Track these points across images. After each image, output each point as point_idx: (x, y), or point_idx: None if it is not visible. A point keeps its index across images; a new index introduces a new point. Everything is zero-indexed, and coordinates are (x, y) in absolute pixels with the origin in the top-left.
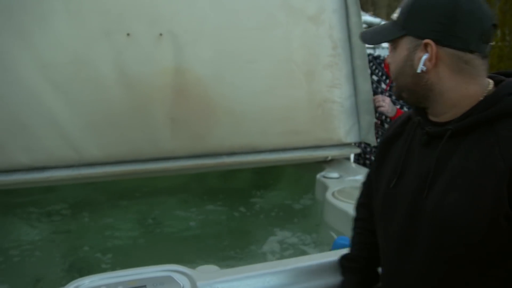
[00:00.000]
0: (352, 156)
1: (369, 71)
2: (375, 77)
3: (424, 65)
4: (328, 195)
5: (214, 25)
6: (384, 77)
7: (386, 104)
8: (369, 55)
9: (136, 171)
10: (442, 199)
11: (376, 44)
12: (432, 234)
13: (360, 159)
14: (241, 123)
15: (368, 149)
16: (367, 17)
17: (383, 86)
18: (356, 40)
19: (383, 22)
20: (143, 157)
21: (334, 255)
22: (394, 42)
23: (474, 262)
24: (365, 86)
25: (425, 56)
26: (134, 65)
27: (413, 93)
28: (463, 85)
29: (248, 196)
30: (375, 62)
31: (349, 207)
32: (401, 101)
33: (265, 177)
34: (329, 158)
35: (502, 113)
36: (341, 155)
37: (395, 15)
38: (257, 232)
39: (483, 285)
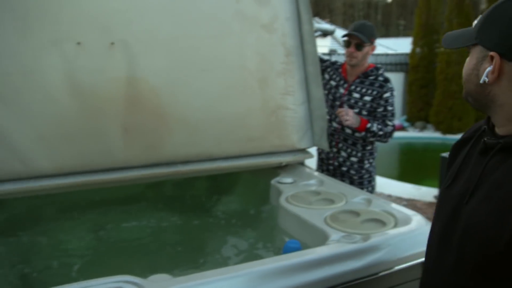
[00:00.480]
0: (314, 163)
1: (321, 78)
2: (333, 82)
3: (486, 76)
4: (282, 200)
5: (167, 34)
6: (342, 82)
7: (350, 117)
8: (326, 60)
9: (89, 183)
10: (476, 209)
11: (452, 48)
12: (462, 240)
13: (323, 165)
14: (196, 132)
15: (331, 155)
16: (325, 25)
17: (342, 91)
18: (309, 47)
19: (338, 30)
20: (96, 168)
21: (285, 259)
22: (469, 48)
23: (488, 270)
24: (318, 93)
25: (488, 68)
26: (85, 75)
27: (476, 100)
28: None
29: (204, 203)
30: (333, 67)
31: (302, 211)
32: (363, 111)
33: (221, 183)
34: (284, 163)
35: None
36: (295, 161)
37: (475, 22)
38: (212, 239)
39: None
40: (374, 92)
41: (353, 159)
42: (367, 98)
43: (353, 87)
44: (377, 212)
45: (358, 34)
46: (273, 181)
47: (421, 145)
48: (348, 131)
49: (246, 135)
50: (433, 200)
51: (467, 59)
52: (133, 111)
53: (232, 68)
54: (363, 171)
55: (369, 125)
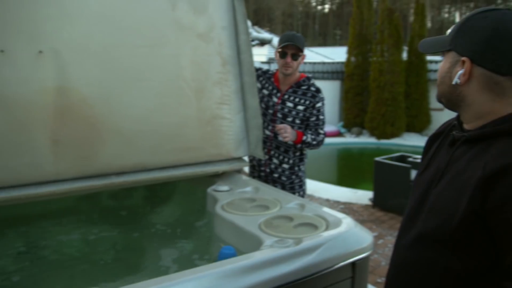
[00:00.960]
0: (246, 168)
1: (257, 88)
2: (266, 91)
3: (458, 78)
4: (218, 208)
5: (101, 43)
6: (275, 91)
7: (289, 133)
8: (259, 69)
9: (17, 197)
10: (441, 191)
11: (428, 53)
12: (426, 217)
13: (254, 172)
14: (131, 142)
15: (262, 162)
16: (263, 34)
17: (275, 99)
18: (245, 57)
19: (275, 38)
20: (24, 182)
21: (219, 266)
22: (443, 54)
23: (443, 244)
24: (254, 102)
25: (460, 71)
26: (9, 85)
27: (448, 100)
28: (489, 102)
29: (140, 214)
30: (265, 76)
31: (237, 219)
32: (296, 120)
33: (158, 193)
34: (220, 172)
35: (502, 132)
36: (231, 169)
37: (449, 31)
38: (149, 250)
39: (445, 265)
40: (307, 102)
41: (285, 165)
42: (300, 107)
43: (286, 96)
44: (309, 216)
45: (295, 44)
46: (209, 190)
47: (357, 150)
48: (281, 138)
49: (182, 145)
50: (369, 202)
51: (441, 64)
52: (64, 122)
53: (167, 78)
54: (294, 177)
55: (304, 137)
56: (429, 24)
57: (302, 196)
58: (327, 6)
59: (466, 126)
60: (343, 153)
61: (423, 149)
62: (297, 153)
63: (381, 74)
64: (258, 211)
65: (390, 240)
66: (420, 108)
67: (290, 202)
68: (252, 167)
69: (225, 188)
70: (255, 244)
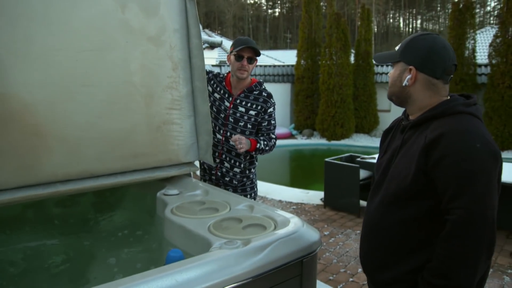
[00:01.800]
0: (198, 171)
1: (207, 92)
2: (217, 95)
3: (407, 81)
4: (167, 212)
5: (43, 45)
6: (227, 95)
7: (244, 144)
8: (209, 72)
9: None
10: (397, 163)
11: (382, 63)
12: (388, 183)
13: (205, 175)
14: (77, 150)
15: (214, 165)
16: (213, 37)
17: (227, 104)
18: (196, 61)
19: (224, 41)
20: None
21: (167, 269)
22: (393, 64)
23: (401, 200)
24: (204, 107)
25: (408, 76)
26: None
27: (398, 98)
28: (428, 98)
29: (89, 220)
30: (216, 80)
31: (186, 222)
32: (248, 125)
33: (107, 199)
34: (169, 176)
35: (437, 115)
36: (180, 174)
37: (397, 48)
38: (98, 256)
39: (404, 216)
40: (259, 107)
41: (236, 169)
42: (252, 112)
43: (238, 101)
44: (258, 217)
45: (252, 47)
46: (158, 194)
47: (308, 151)
48: (232, 143)
49: (131, 151)
50: (320, 202)
51: (392, 71)
52: (3, 131)
53: (115, 83)
54: (245, 179)
55: (258, 145)
56: (375, 29)
57: (254, 198)
58: (277, 10)
59: (411, 117)
60: (295, 155)
61: (380, 142)
62: (248, 157)
63: (330, 77)
64: (208, 214)
65: (341, 239)
66: (368, 110)
67: (239, 204)
68: (203, 170)
69: (174, 192)
70: (205, 246)
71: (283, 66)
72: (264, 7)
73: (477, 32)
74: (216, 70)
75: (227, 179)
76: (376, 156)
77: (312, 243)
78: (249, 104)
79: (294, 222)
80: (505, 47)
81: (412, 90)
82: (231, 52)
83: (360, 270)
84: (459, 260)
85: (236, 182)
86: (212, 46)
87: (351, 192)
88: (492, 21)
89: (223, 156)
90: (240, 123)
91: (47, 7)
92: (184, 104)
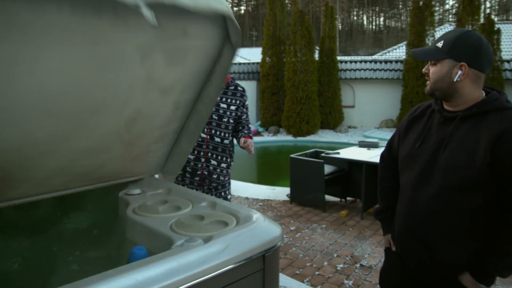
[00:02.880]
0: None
1: (197, 136)
2: None
3: (458, 77)
4: (129, 212)
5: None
6: None
7: (252, 146)
8: None
9: None
10: (452, 155)
11: (425, 60)
12: (444, 174)
13: (186, 179)
14: (43, 182)
15: (199, 165)
16: None
17: None
18: (201, 108)
19: None
20: None
21: (127, 269)
22: (437, 61)
23: (463, 191)
24: (187, 146)
25: (460, 72)
26: None
27: (444, 92)
28: (474, 91)
29: (49, 221)
30: None
31: (149, 221)
32: (230, 120)
33: (69, 201)
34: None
35: (490, 110)
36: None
37: (439, 44)
38: (59, 258)
39: (465, 204)
40: (238, 102)
41: (223, 165)
42: (233, 107)
43: (218, 98)
44: (220, 214)
45: None
46: (120, 194)
47: (275, 148)
48: (217, 140)
49: (99, 176)
50: (286, 198)
51: (436, 68)
52: None
53: (103, 134)
54: (227, 175)
55: (251, 139)
56: (339, 26)
57: (230, 192)
58: (243, 8)
59: (450, 109)
60: (261, 152)
61: (401, 129)
62: (232, 152)
63: (295, 74)
64: (170, 212)
65: (307, 233)
66: (333, 106)
67: (202, 202)
68: (182, 174)
69: (136, 191)
70: (166, 244)
71: (248, 63)
72: (230, 5)
73: (437, 29)
74: None
75: (214, 176)
76: (341, 150)
77: (274, 237)
78: (229, 100)
79: (256, 218)
80: None
81: (461, 85)
82: None
83: (326, 263)
84: None
85: (223, 178)
86: None
87: (317, 187)
88: (451, 19)
89: (209, 154)
90: (224, 119)
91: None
92: (169, 137)
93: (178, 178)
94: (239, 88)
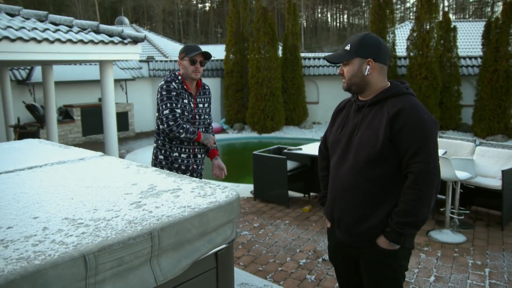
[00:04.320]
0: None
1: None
2: (186, 100)
3: (368, 71)
4: None
5: None
6: (190, 98)
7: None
8: (172, 80)
9: None
10: (362, 135)
11: (337, 63)
12: (356, 151)
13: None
14: None
15: (191, 162)
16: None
17: (192, 104)
18: None
19: (152, 36)
20: None
21: None
22: (348, 61)
23: (372, 163)
24: None
25: (368, 67)
26: None
27: (358, 86)
28: (380, 82)
29: None
30: (180, 86)
31: None
32: (206, 116)
33: None
34: None
35: (391, 95)
36: None
37: (347, 47)
38: None
39: (375, 174)
40: (208, 99)
41: (204, 155)
42: (206, 105)
43: (198, 100)
44: None
45: (203, 52)
46: None
47: (240, 145)
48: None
49: None
50: (250, 195)
51: (349, 67)
52: None
53: None
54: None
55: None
56: (304, 23)
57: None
58: (207, 4)
59: (362, 99)
60: (226, 149)
61: (331, 120)
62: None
63: (259, 71)
64: None
65: (270, 229)
66: (297, 102)
67: None
68: (176, 170)
69: None
70: None
71: (212, 60)
72: (194, 2)
73: (398, 26)
74: (143, 65)
75: (199, 168)
76: (304, 146)
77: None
78: (203, 99)
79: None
80: (421, 40)
81: (371, 77)
82: (182, 58)
83: (289, 259)
84: (422, 201)
85: (202, 167)
86: (135, 41)
87: (280, 184)
88: (411, 17)
89: (196, 149)
90: (202, 117)
91: None
92: None
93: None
94: (206, 87)
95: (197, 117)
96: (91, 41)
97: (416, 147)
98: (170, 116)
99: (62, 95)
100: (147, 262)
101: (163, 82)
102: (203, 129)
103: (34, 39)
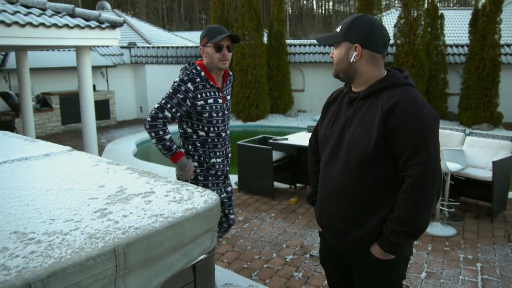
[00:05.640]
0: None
1: None
2: (211, 100)
3: (354, 58)
4: None
5: None
6: (217, 93)
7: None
8: (189, 80)
9: None
10: (354, 131)
11: (326, 45)
12: (347, 150)
13: (217, 182)
14: None
15: (225, 163)
16: (115, 16)
17: (220, 101)
18: None
19: (134, 21)
20: None
21: None
22: (337, 44)
23: (364, 164)
24: None
25: (355, 53)
26: None
27: (346, 73)
28: (372, 71)
29: None
30: (201, 84)
31: None
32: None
33: None
34: None
35: (386, 87)
36: None
37: (338, 29)
38: None
39: (367, 176)
40: (231, 89)
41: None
42: (230, 96)
43: (225, 93)
44: None
45: (230, 35)
46: None
47: None
48: (228, 132)
49: None
50: (235, 186)
51: (336, 51)
52: None
53: None
54: None
55: None
56: (289, 10)
57: None
58: None
59: (355, 90)
60: None
61: (321, 113)
62: None
63: (244, 58)
64: None
65: (255, 223)
66: (283, 90)
67: None
68: (214, 177)
69: None
70: None
71: (196, 47)
72: None
73: (384, 13)
74: (125, 52)
75: (228, 168)
76: (290, 136)
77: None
78: (228, 91)
79: None
80: (408, 28)
81: (358, 65)
82: (204, 44)
83: (275, 255)
84: (420, 207)
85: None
86: (114, 25)
87: (265, 175)
88: (397, 4)
89: (228, 150)
90: (229, 111)
91: None
92: None
93: (209, 183)
94: (230, 73)
95: (226, 112)
96: (66, 25)
97: (413, 148)
98: (153, 112)
99: (39, 82)
100: (110, 285)
101: (178, 80)
102: (228, 127)
103: (2, 22)
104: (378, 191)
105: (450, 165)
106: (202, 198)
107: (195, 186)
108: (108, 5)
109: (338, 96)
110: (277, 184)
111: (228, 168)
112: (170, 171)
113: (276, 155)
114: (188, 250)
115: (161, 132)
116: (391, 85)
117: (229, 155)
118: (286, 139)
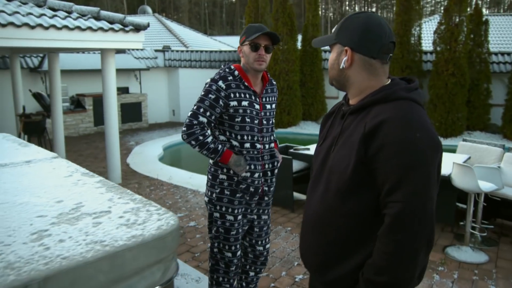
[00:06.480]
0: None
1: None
2: (245, 102)
3: (344, 63)
4: None
5: None
6: (253, 97)
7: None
8: (220, 78)
9: None
10: (336, 153)
11: (320, 47)
12: (328, 173)
13: (249, 202)
14: None
15: (267, 178)
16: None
17: (257, 106)
18: None
19: (176, 26)
20: None
21: None
22: (330, 47)
23: (343, 193)
24: None
25: (345, 58)
26: None
27: (338, 81)
28: (366, 80)
29: None
30: (234, 84)
31: None
32: (272, 119)
33: None
34: None
35: (375, 101)
36: None
37: (333, 30)
38: None
39: (346, 209)
40: (274, 98)
41: (276, 171)
42: (274, 105)
43: (264, 99)
44: None
45: (269, 33)
46: None
47: None
48: (268, 146)
49: None
50: None
51: (331, 55)
52: None
53: None
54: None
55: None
56: (331, 16)
57: None
58: None
59: (351, 102)
60: None
61: (320, 128)
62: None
63: (276, 63)
64: None
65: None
66: (315, 96)
67: None
68: (244, 194)
69: None
70: None
71: (230, 51)
72: None
73: (427, 20)
74: (159, 55)
75: (273, 189)
76: (312, 146)
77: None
78: (270, 98)
79: None
80: (449, 34)
81: (350, 73)
82: (242, 42)
83: (284, 273)
84: (398, 255)
85: (273, 189)
86: (138, 28)
87: (285, 185)
88: (441, 11)
89: (266, 165)
90: (270, 122)
91: None
92: None
93: (225, 204)
94: (274, 82)
95: (264, 122)
96: (89, 28)
97: (395, 180)
98: (187, 121)
99: (75, 83)
100: None
101: (209, 80)
102: (271, 139)
103: (27, 24)
104: (360, 227)
105: (482, 185)
106: (156, 223)
107: (158, 207)
108: (149, 9)
109: (336, 108)
110: (297, 195)
111: (268, 189)
112: (192, 177)
113: (297, 165)
114: (130, 284)
115: (201, 138)
116: (385, 98)
117: (272, 173)
118: (308, 149)
